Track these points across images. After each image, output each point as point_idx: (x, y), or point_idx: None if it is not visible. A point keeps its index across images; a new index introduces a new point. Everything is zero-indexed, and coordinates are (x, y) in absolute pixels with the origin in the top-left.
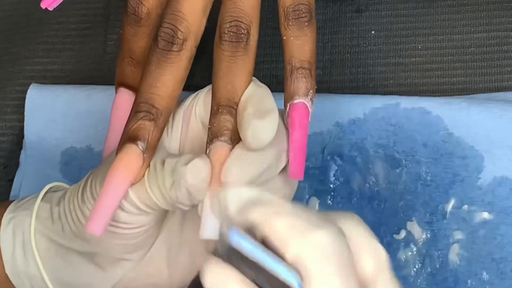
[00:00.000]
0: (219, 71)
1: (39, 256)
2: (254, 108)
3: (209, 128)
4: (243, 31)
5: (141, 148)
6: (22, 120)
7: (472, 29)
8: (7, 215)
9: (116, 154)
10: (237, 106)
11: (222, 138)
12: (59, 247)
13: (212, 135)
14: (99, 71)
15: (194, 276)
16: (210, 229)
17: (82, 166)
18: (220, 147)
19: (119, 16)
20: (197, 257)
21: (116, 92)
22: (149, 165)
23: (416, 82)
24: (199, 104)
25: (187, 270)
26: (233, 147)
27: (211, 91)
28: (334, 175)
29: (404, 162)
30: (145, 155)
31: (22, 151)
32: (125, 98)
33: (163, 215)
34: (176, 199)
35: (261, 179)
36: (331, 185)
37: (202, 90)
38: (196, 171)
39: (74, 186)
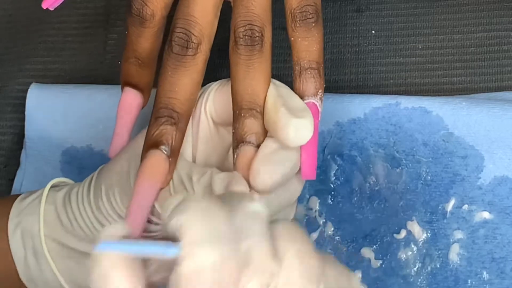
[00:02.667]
0: (238, 75)
1: (52, 261)
2: (287, 107)
3: (233, 133)
4: (257, 34)
5: (165, 152)
6: (22, 119)
7: (473, 29)
8: (12, 220)
9: (141, 161)
10: (260, 108)
11: (248, 142)
12: (71, 251)
13: (238, 140)
14: (100, 70)
15: None
16: None
17: (83, 166)
18: (247, 151)
19: (119, 15)
20: None
21: (122, 91)
22: (173, 174)
23: (416, 81)
24: (209, 102)
25: None
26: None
27: (221, 90)
28: (334, 175)
29: (404, 161)
30: (170, 159)
31: (23, 150)
32: (131, 97)
33: None
34: None
35: (286, 178)
36: (332, 185)
37: (210, 87)
38: None
39: (79, 188)
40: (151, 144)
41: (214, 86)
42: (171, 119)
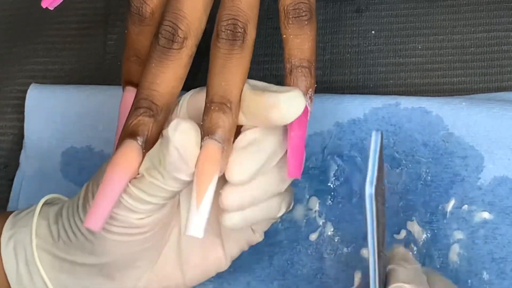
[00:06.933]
0: (214, 68)
1: (44, 272)
2: (269, 92)
3: (201, 125)
4: (239, 30)
5: (140, 143)
6: (22, 119)
7: (472, 29)
8: (6, 232)
9: (116, 149)
10: (231, 104)
11: (214, 136)
12: (63, 262)
13: (204, 133)
14: (100, 70)
15: None
16: (194, 226)
17: (82, 166)
18: (211, 144)
19: (119, 15)
20: (209, 255)
21: (123, 90)
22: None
23: (416, 82)
24: (183, 109)
25: (199, 269)
26: (223, 146)
27: (196, 96)
28: (334, 175)
29: (404, 162)
30: (144, 150)
31: (22, 151)
32: (133, 96)
33: (171, 215)
34: (171, 167)
35: (262, 171)
36: (331, 185)
37: (186, 94)
38: (180, 128)
39: (70, 202)
40: (127, 134)
41: (189, 93)
42: (149, 110)
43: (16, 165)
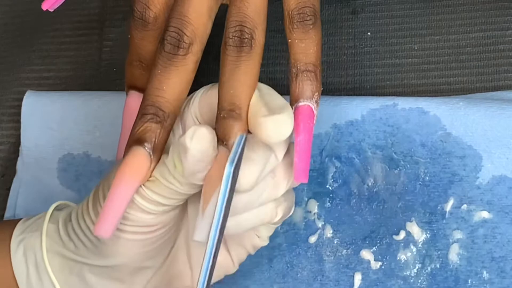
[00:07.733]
0: (223, 76)
1: (54, 275)
2: (267, 106)
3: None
4: (246, 36)
5: (148, 150)
6: (19, 128)
7: (468, 29)
8: (15, 238)
9: (124, 156)
10: (240, 110)
11: (223, 143)
12: (73, 265)
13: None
14: (95, 77)
15: None
16: (199, 232)
17: (79, 173)
18: (222, 152)
19: (114, 22)
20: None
21: (126, 94)
22: (153, 172)
23: (413, 82)
24: (195, 106)
25: None
26: None
27: (206, 93)
28: (332, 177)
29: (402, 162)
30: (152, 157)
31: (19, 158)
32: (136, 100)
33: (182, 212)
34: (189, 174)
35: (265, 173)
36: (330, 187)
37: (198, 91)
38: (196, 135)
39: (80, 205)
40: (135, 141)
41: (201, 90)
42: (156, 117)
43: (13, 174)
